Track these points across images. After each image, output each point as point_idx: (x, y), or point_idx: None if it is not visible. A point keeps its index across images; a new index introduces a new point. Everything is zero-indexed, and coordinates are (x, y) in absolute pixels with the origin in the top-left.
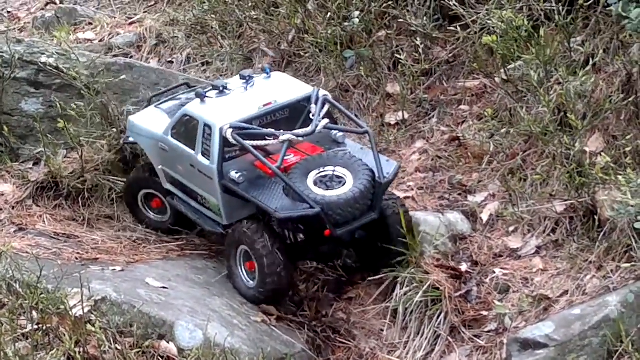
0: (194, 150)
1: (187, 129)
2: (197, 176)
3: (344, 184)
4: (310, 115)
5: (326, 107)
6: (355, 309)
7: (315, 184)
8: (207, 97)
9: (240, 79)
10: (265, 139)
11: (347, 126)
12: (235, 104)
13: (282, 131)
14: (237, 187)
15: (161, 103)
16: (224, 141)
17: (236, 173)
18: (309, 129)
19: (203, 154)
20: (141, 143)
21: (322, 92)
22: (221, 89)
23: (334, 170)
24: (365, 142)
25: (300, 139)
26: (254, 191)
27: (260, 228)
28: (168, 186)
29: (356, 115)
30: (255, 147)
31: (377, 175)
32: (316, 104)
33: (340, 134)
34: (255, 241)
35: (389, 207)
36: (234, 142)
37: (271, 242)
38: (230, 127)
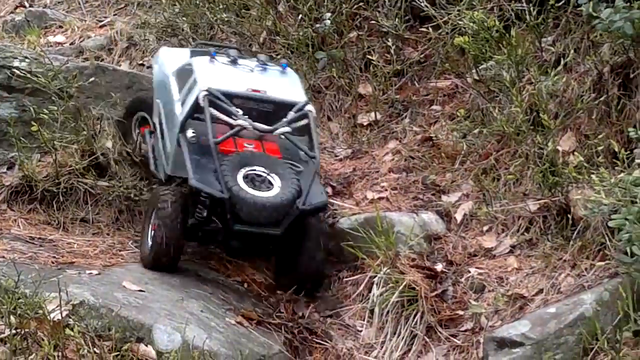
0: (178, 96)
1: (183, 76)
2: (170, 121)
3: (268, 191)
4: (283, 120)
5: (303, 121)
6: (332, 310)
7: (246, 177)
8: (216, 60)
9: (257, 61)
10: (230, 117)
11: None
12: (231, 76)
13: (246, 117)
14: (183, 143)
15: (198, 51)
16: (196, 100)
17: (192, 132)
18: (267, 127)
19: (181, 104)
20: (154, 72)
21: (309, 108)
22: (233, 59)
23: (268, 174)
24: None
25: (270, 135)
26: (192, 155)
27: (174, 195)
28: (155, 119)
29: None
30: (217, 121)
31: (300, 199)
32: (295, 112)
33: (317, 153)
34: (161, 204)
35: (312, 235)
36: (202, 104)
37: (174, 212)
38: (206, 91)
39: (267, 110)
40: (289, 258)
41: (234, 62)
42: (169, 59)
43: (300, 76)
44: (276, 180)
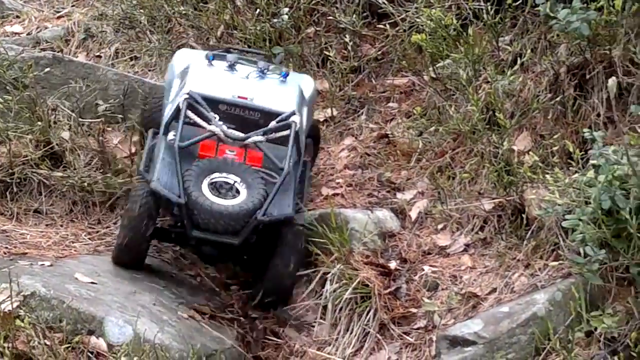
0: (171, 98)
1: (183, 78)
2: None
3: (232, 199)
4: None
5: (284, 132)
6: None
7: (212, 184)
8: (214, 64)
9: (258, 67)
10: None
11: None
12: (222, 81)
13: (221, 123)
14: (162, 145)
15: (214, 54)
16: (178, 104)
17: (173, 135)
18: (240, 135)
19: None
20: (167, 73)
21: (294, 119)
22: (231, 64)
23: (236, 182)
24: None
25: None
26: (166, 158)
27: (144, 196)
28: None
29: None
30: (195, 125)
31: (261, 210)
32: (276, 122)
33: (286, 166)
34: (130, 205)
35: (283, 251)
36: (181, 108)
37: (140, 214)
38: (187, 94)
39: (254, 119)
40: (259, 270)
41: (231, 67)
42: (180, 61)
43: (309, 83)
44: (243, 190)
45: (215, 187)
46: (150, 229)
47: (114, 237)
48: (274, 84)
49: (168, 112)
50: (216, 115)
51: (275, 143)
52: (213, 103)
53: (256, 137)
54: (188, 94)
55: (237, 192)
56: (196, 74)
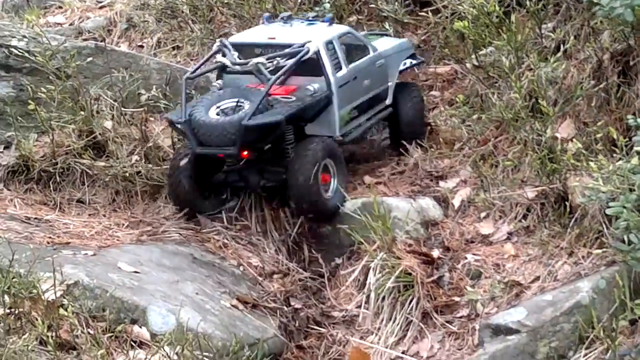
0: None
1: None
2: None
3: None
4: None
5: (295, 58)
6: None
7: (221, 108)
8: (268, 23)
9: (306, 19)
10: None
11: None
12: (263, 31)
13: (235, 55)
14: (209, 90)
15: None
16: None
17: (219, 83)
18: (242, 61)
19: None
20: None
21: (309, 46)
22: (286, 19)
23: (242, 102)
24: None
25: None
26: (204, 98)
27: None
28: None
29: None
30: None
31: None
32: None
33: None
34: (176, 156)
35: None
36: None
37: (185, 165)
38: (219, 42)
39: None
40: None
41: (285, 21)
42: None
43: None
44: (245, 107)
45: (222, 111)
46: (192, 181)
47: (156, 227)
48: (314, 27)
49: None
50: (235, 53)
51: (300, 75)
52: (248, 47)
53: (256, 60)
54: (220, 41)
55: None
56: (248, 30)
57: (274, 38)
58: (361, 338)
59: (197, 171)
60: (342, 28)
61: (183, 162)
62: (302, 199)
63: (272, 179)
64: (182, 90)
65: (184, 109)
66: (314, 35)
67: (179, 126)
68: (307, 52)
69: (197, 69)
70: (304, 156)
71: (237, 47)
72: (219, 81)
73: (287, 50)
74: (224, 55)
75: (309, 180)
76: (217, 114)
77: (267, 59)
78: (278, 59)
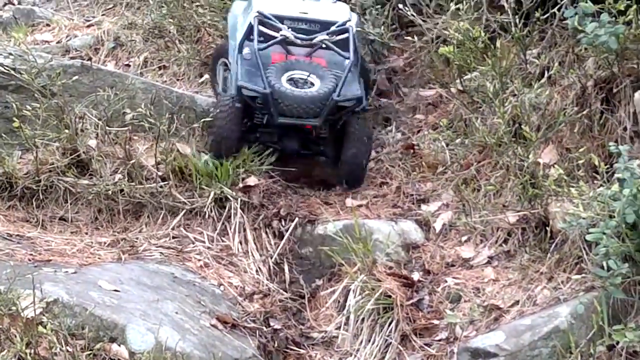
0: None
1: (246, 10)
2: (235, 51)
3: (309, 89)
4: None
5: (344, 35)
6: (308, 316)
7: (290, 79)
8: None
9: None
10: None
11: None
12: (284, 4)
13: (290, 30)
14: (240, 61)
15: None
16: (250, 23)
17: (248, 51)
18: (308, 37)
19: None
20: (229, 19)
21: (350, 24)
22: None
23: (309, 76)
24: None
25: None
26: (245, 66)
27: (231, 102)
28: (230, 58)
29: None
30: (269, 37)
31: (335, 92)
32: (336, 27)
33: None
34: (219, 109)
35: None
36: (253, 24)
37: (229, 115)
38: (258, 13)
39: (315, 29)
40: (334, 158)
41: None
42: (239, 4)
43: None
44: (316, 81)
45: (293, 81)
46: (237, 132)
47: (137, 245)
48: (328, 4)
49: (240, 34)
50: (284, 26)
51: (334, 50)
52: (279, 20)
53: (321, 36)
54: (258, 12)
55: (312, 84)
56: (260, 2)
57: (306, 13)
58: (340, 359)
59: (240, 126)
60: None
61: (229, 115)
62: (354, 174)
63: (311, 149)
64: (258, 62)
65: (265, 80)
66: (345, 14)
67: (258, 95)
68: (349, 31)
69: (263, 41)
70: (362, 132)
71: (268, 18)
72: (248, 49)
73: (333, 28)
74: (262, 25)
75: (363, 157)
76: (290, 85)
77: (327, 34)
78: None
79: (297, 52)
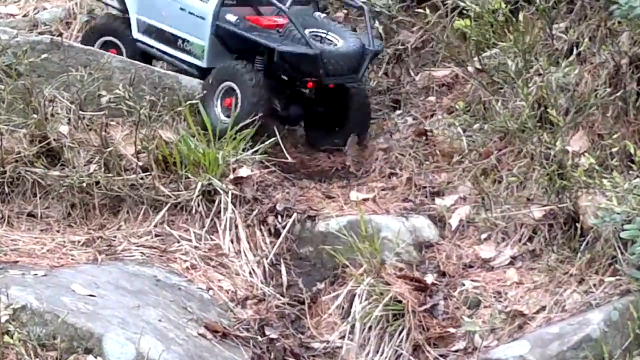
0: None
1: None
2: (186, 19)
3: (335, 45)
4: None
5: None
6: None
7: (313, 37)
8: None
9: None
10: None
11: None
12: None
13: None
14: (236, 27)
15: None
16: None
17: (233, 16)
18: None
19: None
20: None
21: None
22: None
23: (327, 33)
24: None
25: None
26: (251, 33)
27: (249, 67)
28: (138, 35)
29: None
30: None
31: (367, 44)
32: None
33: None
34: (244, 75)
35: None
36: None
37: (257, 79)
38: None
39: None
40: (339, 121)
41: None
42: None
43: None
44: (334, 36)
45: (318, 39)
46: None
47: (115, 245)
48: None
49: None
50: None
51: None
52: None
53: None
54: None
55: (330, 40)
56: None
57: None
58: None
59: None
60: None
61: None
62: (365, 121)
63: (315, 112)
64: (295, 25)
65: (311, 42)
66: None
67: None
68: None
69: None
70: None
71: None
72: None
73: None
74: None
75: (368, 102)
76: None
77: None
78: None
79: (266, 11)
